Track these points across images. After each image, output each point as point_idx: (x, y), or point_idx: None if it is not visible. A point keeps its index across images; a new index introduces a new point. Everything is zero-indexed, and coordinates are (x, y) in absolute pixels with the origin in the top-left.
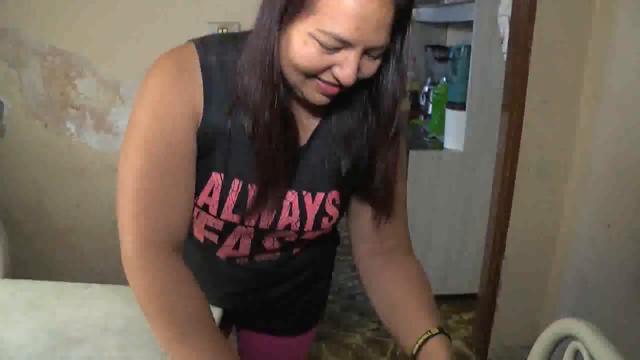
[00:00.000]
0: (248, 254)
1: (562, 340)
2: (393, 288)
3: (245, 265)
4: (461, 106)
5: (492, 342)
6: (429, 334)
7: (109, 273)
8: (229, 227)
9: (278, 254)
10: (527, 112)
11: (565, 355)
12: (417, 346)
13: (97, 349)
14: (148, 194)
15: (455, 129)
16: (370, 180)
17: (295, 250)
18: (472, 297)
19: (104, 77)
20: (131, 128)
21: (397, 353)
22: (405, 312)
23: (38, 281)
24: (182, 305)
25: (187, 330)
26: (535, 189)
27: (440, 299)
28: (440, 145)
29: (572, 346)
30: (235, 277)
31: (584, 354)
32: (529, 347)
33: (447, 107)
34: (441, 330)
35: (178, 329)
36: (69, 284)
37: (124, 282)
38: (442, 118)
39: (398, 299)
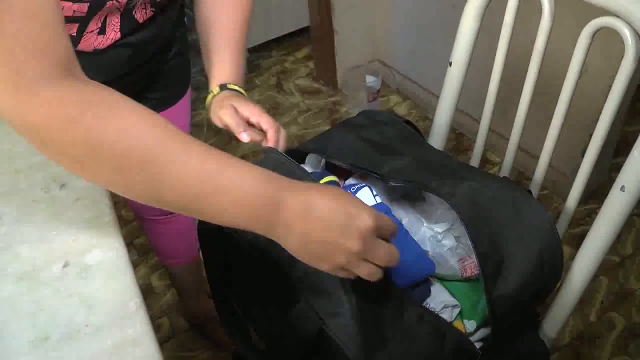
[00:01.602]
0: (119, 37)
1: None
2: (209, 22)
3: (124, 41)
4: None
5: (337, 68)
6: (219, 90)
7: None
8: (96, 5)
9: (150, 23)
10: None
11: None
12: (210, 98)
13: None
14: None
15: None
16: None
17: (164, 11)
18: (298, 33)
19: None
20: None
21: None
22: (208, 60)
23: None
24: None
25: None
26: None
27: (266, 46)
28: None
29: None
30: (114, 60)
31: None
32: (376, 61)
33: None
34: (225, 87)
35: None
36: None
37: None
38: None
39: (208, 40)
